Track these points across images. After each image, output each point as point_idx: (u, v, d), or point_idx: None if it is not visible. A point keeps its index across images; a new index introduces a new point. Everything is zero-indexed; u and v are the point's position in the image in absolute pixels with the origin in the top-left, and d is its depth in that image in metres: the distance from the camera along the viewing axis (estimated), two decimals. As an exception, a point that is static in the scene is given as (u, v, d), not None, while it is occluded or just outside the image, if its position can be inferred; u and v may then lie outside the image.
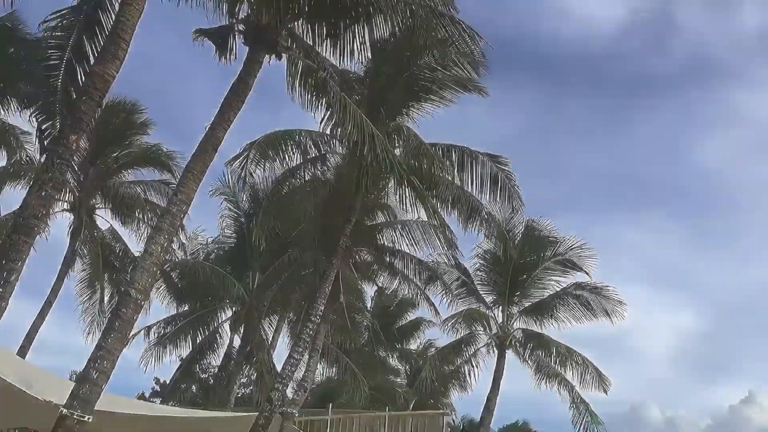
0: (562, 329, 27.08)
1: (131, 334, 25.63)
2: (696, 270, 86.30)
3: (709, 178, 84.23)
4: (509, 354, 26.83)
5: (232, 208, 28.74)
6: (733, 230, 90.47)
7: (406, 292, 27.78)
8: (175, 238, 24.92)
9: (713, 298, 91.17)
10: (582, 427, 25.79)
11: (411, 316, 35.57)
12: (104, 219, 26.24)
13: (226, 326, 28.51)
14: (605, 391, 26.07)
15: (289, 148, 17.64)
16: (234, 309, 27.94)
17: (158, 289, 27.45)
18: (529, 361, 26.65)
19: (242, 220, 28.17)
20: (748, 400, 79.46)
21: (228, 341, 28.51)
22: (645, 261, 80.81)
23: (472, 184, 17.38)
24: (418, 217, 19.58)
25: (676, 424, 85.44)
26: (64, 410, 8.64)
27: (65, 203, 24.77)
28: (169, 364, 27.80)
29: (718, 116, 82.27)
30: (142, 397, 36.79)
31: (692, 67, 75.80)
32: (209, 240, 30.11)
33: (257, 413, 15.43)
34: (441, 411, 24.13)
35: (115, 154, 25.84)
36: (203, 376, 32.76)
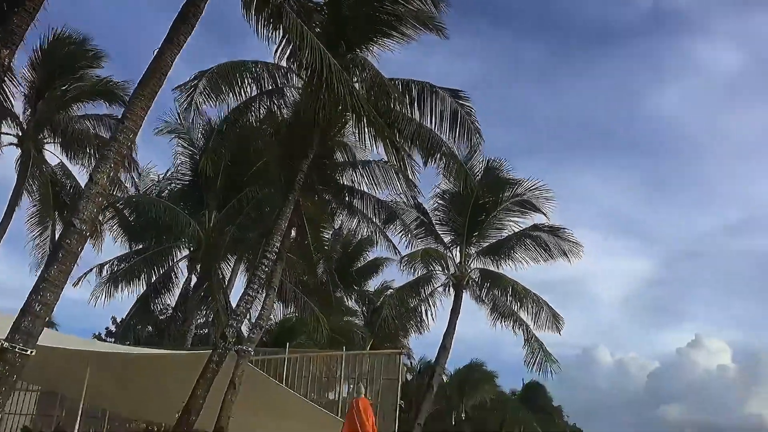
0: (519, 270, 27.43)
1: (83, 273, 25.45)
2: (648, 217, 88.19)
3: (664, 127, 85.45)
4: (467, 299, 27.08)
5: (186, 145, 28.01)
6: (685, 179, 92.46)
7: (365, 232, 27.64)
8: (126, 173, 24.29)
9: (664, 245, 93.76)
10: (535, 365, 26.31)
11: (369, 255, 35.51)
12: (54, 155, 25.38)
13: (182, 265, 28.09)
14: (559, 331, 26.56)
15: (245, 81, 17.02)
16: (190, 248, 27.45)
17: (111, 226, 26.85)
18: (485, 300, 26.93)
19: (197, 157, 27.46)
20: (694, 344, 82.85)
21: (183, 280, 28.14)
22: (599, 208, 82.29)
23: (431, 120, 17.03)
24: (381, 159, 19.29)
25: (625, 366, 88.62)
26: (5, 343, 8.24)
27: (12, 137, 23.90)
28: (121, 301, 27.21)
29: (676, 66, 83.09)
30: (98, 337, 36.30)
31: (654, 16, 76.02)
32: (160, 176, 29.35)
33: (211, 351, 15.17)
34: (398, 350, 24.17)
35: (64, 87, 24.90)
36: (161, 317, 32.32)
